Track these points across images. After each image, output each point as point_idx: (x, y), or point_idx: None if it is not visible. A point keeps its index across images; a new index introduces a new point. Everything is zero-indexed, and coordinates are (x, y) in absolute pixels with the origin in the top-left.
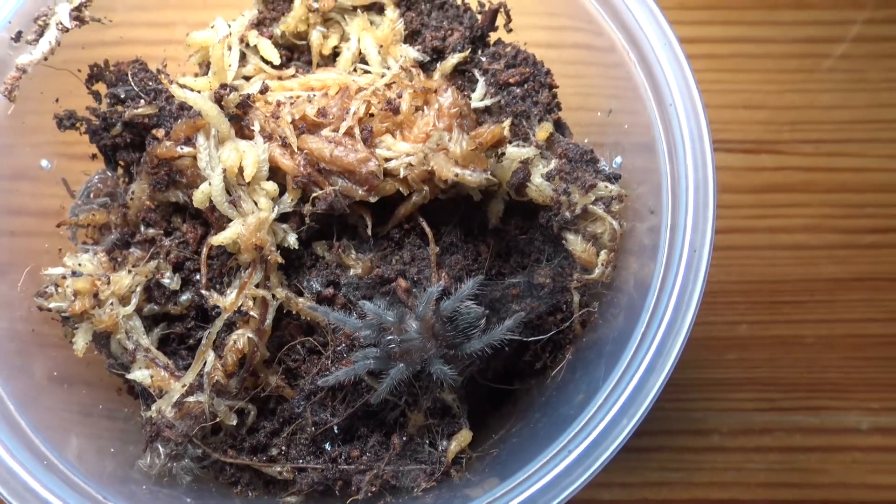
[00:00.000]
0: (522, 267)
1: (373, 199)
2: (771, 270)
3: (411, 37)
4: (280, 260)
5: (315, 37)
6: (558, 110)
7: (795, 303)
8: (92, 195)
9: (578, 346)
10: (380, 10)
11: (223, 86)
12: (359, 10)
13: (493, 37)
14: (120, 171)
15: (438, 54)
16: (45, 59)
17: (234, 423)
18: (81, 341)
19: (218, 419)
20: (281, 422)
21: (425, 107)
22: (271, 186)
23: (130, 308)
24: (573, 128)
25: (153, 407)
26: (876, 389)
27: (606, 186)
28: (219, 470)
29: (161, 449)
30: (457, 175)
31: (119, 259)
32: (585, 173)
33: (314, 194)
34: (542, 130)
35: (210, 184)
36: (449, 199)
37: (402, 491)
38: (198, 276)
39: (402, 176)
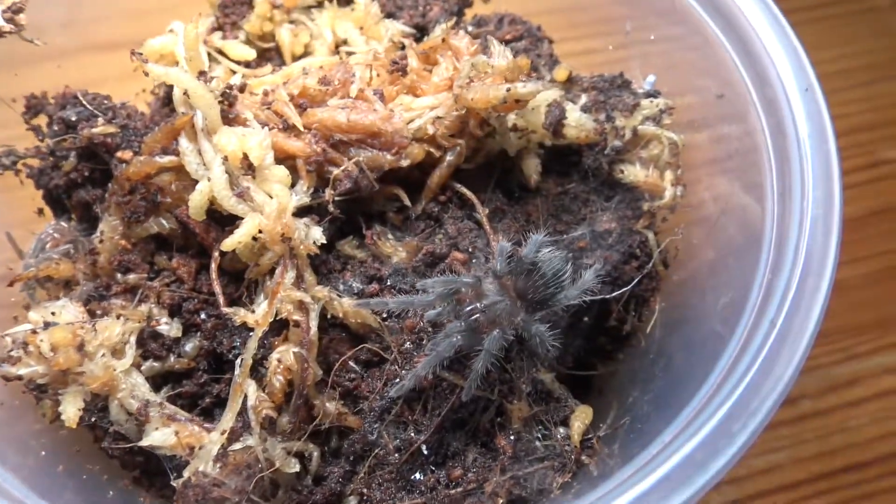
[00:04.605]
0: (577, 222)
1: (404, 164)
2: None
3: (388, 18)
4: (314, 249)
5: (285, 34)
6: (560, 63)
7: None
8: (48, 247)
9: (665, 291)
10: (347, 1)
11: (201, 73)
12: (325, 3)
13: (468, 14)
14: (73, 221)
15: (422, 31)
16: None
17: (296, 469)
18: (72, 408)
19: (276, 467)
20: (352, 459)
21: (439, 58)
22: (282, 171)
23: (127, 361)
24: (584, 71)
25: (188, 469)
26: None
27: (651, 101)
28: None
29: None
30: (509, 90)
31: (98, 312)
32: (622, 98)
33: (333, 174)
34: (561, 71)
35: (210, 179)
36: (478, 166)
37: (534, 498)
38: (202, 317)
39: (430, 134)
